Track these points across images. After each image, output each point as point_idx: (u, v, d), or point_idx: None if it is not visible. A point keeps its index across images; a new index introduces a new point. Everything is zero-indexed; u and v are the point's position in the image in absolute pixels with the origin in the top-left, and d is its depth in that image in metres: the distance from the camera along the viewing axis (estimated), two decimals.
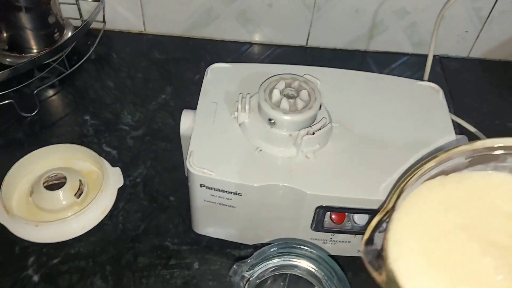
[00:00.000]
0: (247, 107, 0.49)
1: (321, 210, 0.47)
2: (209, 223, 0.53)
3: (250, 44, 0.83)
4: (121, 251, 0.55)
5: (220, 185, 0.46)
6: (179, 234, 0.57)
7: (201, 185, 0.47)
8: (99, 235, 0.56)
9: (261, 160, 0.47)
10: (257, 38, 0.82)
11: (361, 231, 0.49)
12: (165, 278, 0.53)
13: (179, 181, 0.62)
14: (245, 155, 0.47)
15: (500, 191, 0.33)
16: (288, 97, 0.48)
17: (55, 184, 0.58)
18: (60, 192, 0.56)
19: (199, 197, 0.49)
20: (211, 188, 0.47)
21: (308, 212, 0.47)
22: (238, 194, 0.47)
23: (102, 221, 0.57)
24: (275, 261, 0.44)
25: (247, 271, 0.37)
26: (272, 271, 0.45)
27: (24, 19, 0.68)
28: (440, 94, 0.55)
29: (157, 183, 0.62)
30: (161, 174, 0.63)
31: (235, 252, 0.56)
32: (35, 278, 0.52)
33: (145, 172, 0.63)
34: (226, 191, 0.47)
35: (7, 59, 0.71)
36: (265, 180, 0.46)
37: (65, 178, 0.57)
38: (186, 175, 0.59)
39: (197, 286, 0.53)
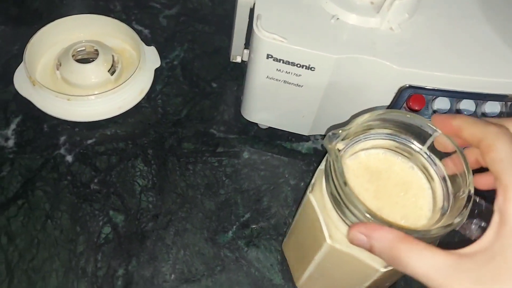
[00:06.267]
0: None
1: (404, 92, 0.41)
2: (264, 107, 0.47)
3: None
4: (163, 135, 0.49)
5: (292, 56, 0.40)
6: (225, 122, 0.51)
7: (268, 56, 0.41)
8: (138, 117, 0.50)
9: (338, 30, 0.41)
10: None
11: None
12: (213, 166, 0.48)
13: (221, 66, 0.56)
14: (320, 24, 0.41)
15: None
16: None
17: (84, 59, 0.51)
18: (92, 66, 0.49)
19: (261, 73, 0.43)
20: (280, 61, 0.41)
21: (389, 93, 0.42)
22: (311, 68, 0.40)
23: (139, 103, 0.50)
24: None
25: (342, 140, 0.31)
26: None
27: None
28: None
29: (197, 68, 0.55)
30: (201, 58, 0.56)
31: (286, 145, 0.51)
32: (69, 158, 0.46)
33: (182, 55, 0.56)
34: (297, 65, 0.40)
35: None
36: (346, 51, 0.39)
37: (96, 52, 0.50)
38: (232, 59, 0.53)
39: (247, 175, 0.48)
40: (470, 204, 0.28)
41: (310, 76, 0.41)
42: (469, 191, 0.29)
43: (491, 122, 0.27)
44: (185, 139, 0.49)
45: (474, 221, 0.29)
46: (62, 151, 0.47)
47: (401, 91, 0.41)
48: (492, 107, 0.43)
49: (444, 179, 0.32)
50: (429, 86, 0.41)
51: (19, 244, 0.41)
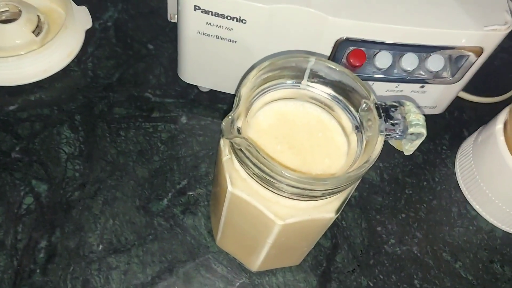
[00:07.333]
0: None
1: (342, 45, 0.39)
2: (200, 67, 0.44)
3: None
4: (93, 100, 0.46)
5: (221, 7, 0.37)
6: (162, 86, 0.48)
7: (195, 8, 0.38)
8: (65, 81, 0.47)
9: None
10: None
11: (384, 76, 0.42)
12: (147, 131, 0.45)
13: (158, 27, 0.52)
14: None
15: None
16: None
17: (8, 20, 0.47)
18: (13, 26, 0.45)
19: (191, 28, 0.40)
20: (208, 13, 0.38)
21: (327, 48, 0.39)
22: (242, 21, 0.38)
23: (68, 66, 0.47)
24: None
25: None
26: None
27: None
28: None
29: (132, 29, 0.52)
30: (135, 18, 0.53)
31: (227, 108, 0.48)
32: None
33: (116, 16, 0.53)
34: (227, 17, 0.38)
35: None
36: (278, 1, 0.37)
37: (19, 12, 0.46)
38: (170, 19, 0.50)
39: (185, 141, 0.45)
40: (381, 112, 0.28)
41: (243, 29, 0.39)
42: (372, 101, 0.29)
43: None
44: (117, 104, 0.46)
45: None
46: None
47: (338, 44, 0.39)
48: (436, 61, 0.41)
49: (346, 107, 0.31)
50: (369, 38, 0.39)
51: None
